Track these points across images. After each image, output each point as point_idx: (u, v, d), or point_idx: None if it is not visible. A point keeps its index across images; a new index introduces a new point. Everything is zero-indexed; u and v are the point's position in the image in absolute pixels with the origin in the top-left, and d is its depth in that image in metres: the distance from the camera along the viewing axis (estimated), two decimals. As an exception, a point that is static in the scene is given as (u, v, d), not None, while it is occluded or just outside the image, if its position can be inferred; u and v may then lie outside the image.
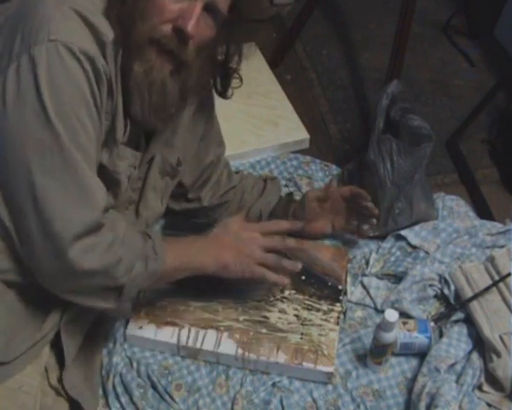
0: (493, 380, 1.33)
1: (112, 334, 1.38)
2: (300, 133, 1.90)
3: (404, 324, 1.39)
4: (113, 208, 1.20)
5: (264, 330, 1.38)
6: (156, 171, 1.29)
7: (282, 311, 1.41)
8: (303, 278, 1.47)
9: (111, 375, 1.33)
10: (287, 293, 1.44)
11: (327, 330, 1.39)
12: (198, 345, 1.35)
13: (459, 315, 1.43)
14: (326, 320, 1.40)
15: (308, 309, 1.42)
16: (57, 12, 1.00)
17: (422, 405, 1.28)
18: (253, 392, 1.33)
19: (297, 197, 1.70)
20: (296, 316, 1.41)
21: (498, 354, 1.33)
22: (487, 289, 1.43)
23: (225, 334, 1.37)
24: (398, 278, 1.51)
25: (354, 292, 1.50)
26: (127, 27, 1.05)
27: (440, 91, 2.15)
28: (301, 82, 2.17)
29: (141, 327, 1.37)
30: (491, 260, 1.50)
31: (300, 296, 1.44)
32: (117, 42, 1.05)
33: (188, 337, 1.36)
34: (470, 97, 2.09)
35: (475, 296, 1.42)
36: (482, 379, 1.33)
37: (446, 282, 1.49)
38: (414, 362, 1.39)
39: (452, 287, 1.47)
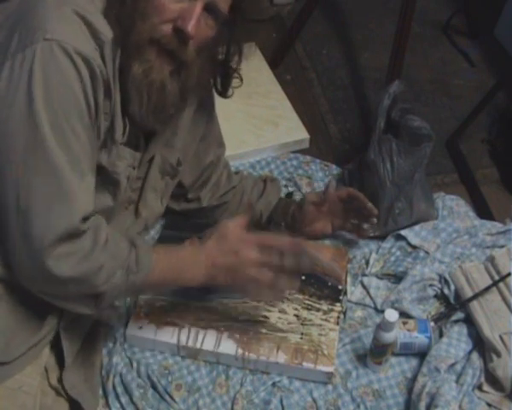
0: (493, 380, 1.33)
1: (112, 334, 1.38)
2: (300, 133, 1.90)
3: (404, 324, 1.39)
4: (112, 208, 1.20)
5: (264, 330, 1.38)
6: (156, 171, 1.29)
7: (282, 311, 1.41)
8: (303, 278, 1.47)
9: (111, 375, 1.33)
10: (287, 293, 1.44)
11: (327, 330, 1.39)
12: (198, 345, 1.35)
13: (459, 315, 1.43)
14: (326, 320, 1.40)
15: (308, 309, 1.42)
16: (56, 12, 1.00)
17: (422, 405, 1.28)
18: (253, 392, 1.33)
19: (297, 197, 1.70)
20: (296, 316, 1.41)
21: (498, 354, 1.33)
22: (487, 289, 1.43)
23: (225, 334, 1.37)
24: (398, 278, 1.51)
25: (354, 292, 1.50)
26: (127, 27, 1.04)
27: (440, 91, 2.15)
28: (301, 82, 2.17)
29: (141, 327, 1.37)
30: (491, 260, 1.50)
31: (300, 296, 1.44)
32: (116, 42, 1.05)
33: (188, 337, 1.36)
34: (470, 97, 2.09)
35: (475, 296, 1.42)
36: (482, 379, 1.33)
37: (446, 282, 1.49)
38: (414, 362, 1.39)
39: (452, 287, 1.47)
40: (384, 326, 1.30)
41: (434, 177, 1.86)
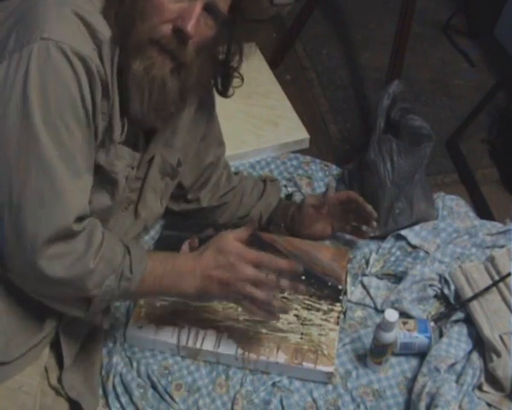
0: (493, 380, 1.33)
1: (112, 334, 1.38)
2: (300, 133, 1.90)
3: (404, 324, 1.39)
4: (110, 208, 1.19)
5: (264, 330, 1.38)
6: (156, 171, 1.29)
7: (282, 311, 1.41)
8: (303, 278, 1.47)
9: (111, 375, 1.33)
10: (287, 293, 1.44)
11: (327, 330, 1.39)
12: (198, 345, 1.35)
13: (459, 315, 1.43)
14: (326, 320, 1.40)
15: (308, 309, 1.42)
16: (55, 12, 1.00)
17: (422, 405, 1.28)
18: (253, 392, 1.33)
19: (297, 198, 1.70)
20: (296, 316, 1.41)
21: (498, 354, 1.33)
22: (487, 289, 1.43)
23: (225, 334, 1.37)
24: (398, 278, 1.51)
25: (354, 292, 1.50)
26: (126, 27, 1.04)
27: (440, 91, 2.15)
28: (301, 82, 2.17)
29: (141, 327, 1.37)
30: (491, 260, 1.50)
31: (300, 296, 1.44)
32: (114, 41, 1.04)
33: (188, 337, 1.36)
34: (470, 97, 2.09)
35: (475, 296, 1.42)
36: (482, 379, 1.33)
37: (446, 282, 1.49)
38: (414, 362, 1.39)
39: (452, 287, 1.47)
40: (384, 326, 1.30)
41: (434, 177, 1.86)
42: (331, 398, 1.33)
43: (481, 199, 1.81)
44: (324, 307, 1.43)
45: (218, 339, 1.36)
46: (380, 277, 1.53)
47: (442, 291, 1.49)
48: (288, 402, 1.32)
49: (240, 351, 1.35)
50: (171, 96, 1.11)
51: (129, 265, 1.11)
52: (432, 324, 1.42)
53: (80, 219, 1.05)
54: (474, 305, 1.42)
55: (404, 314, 1.43)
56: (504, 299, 1.42)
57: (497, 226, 1.62)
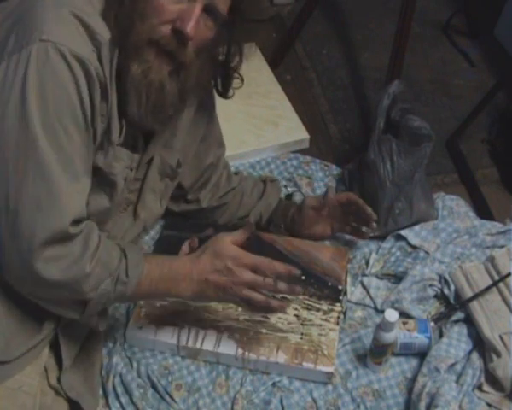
0: (493, 380, 1.33)
1: (112, 334, 1.38)
2: (300, 133, 1.90)
3: (404, 324, 1.39)
4: (108, 209, 1.19)
5: (264, 330, 1.38)
6: (155, 172, 1.29)
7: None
8: (303, 278, 1.46)
9: (111, 375, 1.33)
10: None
11: (327, 330, 1.39)
12: (198, 345, 1.35)
13: (459, 315, 1.43)
14: (326, 320, 1.40)
15: (308, 309, 1.42)
16: (54, 14, 1.00)
17: (422, 405, 1.28)
18: (253, 392, 1.33)
19: (297, 198, 1.70)
20: (296, 316, 1.41)
21: (498, 354, 1.33)
22: (487, 289, 1.43)
23: (225, 334, 1.37)
24: (398, 278, 1.51)
25: (354, 292, 1.50)
26: (125, 28, 1.04)
27: (440, 91, 2.15)
28: (301, 82, 2.17)
29: (141, 327, 1.37)
30: (491, 260, 1.50)
31: (300, 296, 1.44)
32: (113, 43, 1.04)
33: (188, 337, 1.36)
34: (470, 97, 2.09)
35: (475, 296, 1.42)
36: (482, 379, 1.33)
37: (446, 282, 1.49)
38: (414, 362, 1.39)
39: (452, 287, 1.47)
40: (384, 326, 1.30)
41: (434, 177, 1.86)
42: (331, 398, 1.34)
43: (481, 199, 1.81)
44: (324, 307, 1.43)
45: (218, 339, 1.36)
46: (380, 277, 1.53)
47: (442, 291, 1.49)
48: (287, 402, 1.32)
49: (240, 351, 1.35)
50: (170, 99, 1.11)
51: (125, 269, 1.11)
52: (432, 324, 1.42)
53: (77, 222, 1.05)
54: (474, 305, 1.42)
55: (404, 314, 1.43)
56: (504, 299, 1.42)
57: (497, 226, 1.62)
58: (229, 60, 1.21)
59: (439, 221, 1.61)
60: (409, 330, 1.38)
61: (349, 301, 1.49)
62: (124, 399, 1.31)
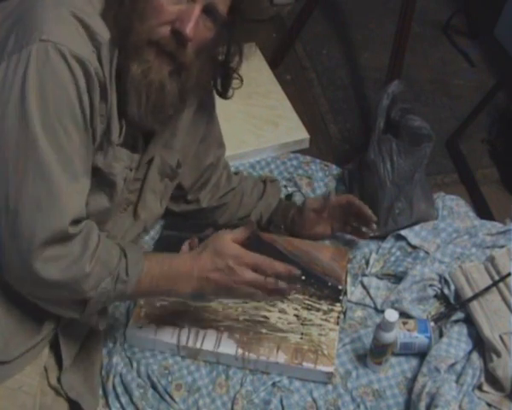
0: (493, 380, 1.33)
1: (112, 334, 1.38)
2: (300, 133, 1.90)
3: (404, 324, 1.39)
4: (108, 210, 1.19)
5: (264, 330, 1.38)
6: (155, 172, 1.29)
7: (282, 311, 1.41)
8: (303, 278, 1.47)
9: (111, 375, 1.33)
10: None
11: (327, 330, 1.39)
12: (198, 345, 1.35)
13: (459, 315, 1.43)
14: (326, 320, 1.40)
15: (308, 309, 1.42)
16: (54, 14, 1.00)
17: (422, 405, 1.28)
18: (253, 392, 1.33)
19: (297, 198, 1.71)
20: (296, 316, 1.41)
21: (498, 354, 1.33)
22: (487, 289, 1.43)
23: (225, 334, 1.37)
24: (398, 278, 1.51)
25: (354, 292, 1.50)
26: (125, 28, 1.04)
27: (440, 91, 2.15)
28: (301, 82, 2.17)
29: (141, 327, 1.37)
30: (491, 260, 1.50)
31: (300, 296, 1.44)
32: (113, 43, 1.04)
33: (188, 337, 1.36)
34: (470, 97, 2.09)
35: (475, 296, 1.42)
36: (482, 379, 1.33)
37: (446, 282, 1.49)
38: (414, 362, 1.39)
39: (452, 287, 1.47)
40: (384, 326, 1.30)
41: (434, 177, 1.86)
42: (331, 398, 1.34)
43: (481, 199, 1.81)
44: (324, 307, 1.43)
45: (218, 339, 1.36)
46: (380, 277, 1.53)
47: (442, 291, 1.49)
48: (287, 402, 1.32)
49: (240, 351, 1.35)
50: (170, 99, 1.11)
51: (125, 267, 1.11)
52: (432, 324, 1.42)
53: (76, 222, 1.05)
54: (474, 305, 1.42)
55: (404, 314, 1.43)
56: (504, 299, 1.42)
57: (497, 226, 1.62)
58: (229, 60, 1.21)
59: (439, 221, 1.61)
60: (409, 330, 1.38)
61: (349, 301, 1.49)
62: (124, 399, 1.31)
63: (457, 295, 1.46)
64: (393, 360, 1.39)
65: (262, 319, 1.39)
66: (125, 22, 1.04)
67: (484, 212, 1.74)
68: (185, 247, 1.34)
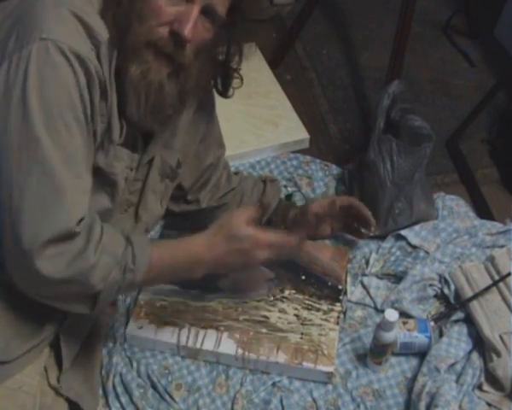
0: (493, 380, 1.33)
1: (112, 334, 1.39)
2: (300, 133, 1.90)
3: (404, 323, 1.39)
4: (110, 210, 1.19)
5: (264, 330, 1.38)
6: (156, 173, 1.29)
7: (282, 311, 1.41)
8: (303, 278, 1.47)
9: (111, 375, 1.33)
10: (287, 293, 1.44)
11: (327, 329, 1.39)
12: (198, 345, 1.35)
13: (459, 315, 1.43)
14: (326, 320, 1.40)
15: (308, 309, 1.42)
16: (53, 13, 1.00)
17: (422, 405, 1.28)
18: (253, 392, 1.33)
19: (297, 198, 1.71)
20: (296, 316, 1.41)
21: (498, 354, 1.33)
22: (487, 288, 1.43)
23: (225, 334, 1.37)
24: (398, 278, 1.51)
25: (354, 292, 1.50)
26: (123, 28, 1.04)
27: (440, 91, 2.15)
28: (301, 82, 2.17)
29: (141, 327, 1.37)
30: (491, 259, 1.50)
31: (300, 296, 1.44)
32: (112, 42, 1.04)
33: (188, 337, 1.36)
34: (470, 97, 2.09)
35: (475, 296, 1.42)
36: (482, 379, 1.33)
37: (446, 282, 1.49)
38: (414, 362, 1.39)
39: (452, 287, 1.47)
40: (384, 326, 1.30)
41: (434, 177, 1.86)
42: (331, 398, 1.34)
43: (481, 199, 1.81)
44: (324, 307, 1.43)
45: (218, 339, 1.36)
46: (380, 277, 1.53)
47: (442, 291, 1.49)
48: (288, 402, 1.32)
49: (240, 351, 1.35)
50: (169, 100, 1.11)
51: (131, 256, 1.08)
52: (432, 324, 1.42)
53: (81, 220, 1.04)
54: (474, 305, 1.42)
55: (404, 314, 1.43)
56: (504, 299, 1.42)
57: (497, 226, 1.62)
58: (229, 59, 1.21)
59: (439, 221, 1.61)
60: (409, 330, 1.38)
61: (349, 301, 1.49)
62: (124, 399, 1.31)
63: (457, 294, 1.46)
64: (393, 359, 1.39)
65: (262, 319, 1.39)
66: (123, 22, 1.04)
67: (484, 212, 1.74)
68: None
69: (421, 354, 1.38)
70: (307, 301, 1.43)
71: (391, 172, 1.56)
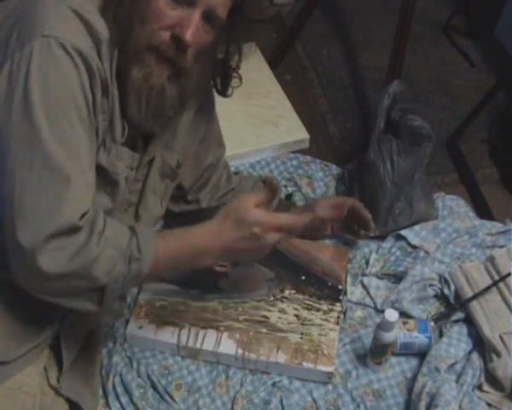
0: (493, 380, 1.33)
1: (112, 334, 1.39)
2: (300, 133, 1.90)
3: (404, 323, 1.39)
4: (110, 210, 1.18)
5: (264, 330, 1.38)
6: (156, 173, 1.28)
7: (282, 311, 1.41)
8: (303, 278, 1.47)
9: (111, 375, 1.33)
10: (287, 293, 1.44)
11: (327, 329, 1.39)
12: (198, 345, 1.35)
13: (459, 315, 1.43)
14: (326, 320, 1.40)
15: (308, 309, 1.42)
16: (54, 11, 1.00)
17: (422, 405, 1.28)
18: (253, 392, 1.33)
19: (297, 198, 1.71)
20: (296, 316, 1.41)
21: (498, 354, 1.33)
22: (487, 288, 1.43)
23: (225, 334, 1.37)
24: (398, 278, 1.51)
25: (354, 292, 1.50)
26: (125, 30, 1.04)
27: (440, 91, 2.15)
28: (301, 82, 2.17)
29: (141, 327, 1.37)
30: (491, 259, 1.50)
31: (300, 296, 1.44)
32: (113, 41, 1.04)
33: (188, 337, 1.36)
34: (470, 97, 2.09)
35: (475, 296, 1.42)
36: (482, 379, 1.33)
37: (446, 282, 1.49)
38: (414, 362, 1.39)
39: (452, 287, 1.47)
40: (384, 326, 1.30)
41: (434, 177, 1.86)
42: (331, 398, 1.34)
43: (481, 199, 1.81)
44: (324, 307, 1.43)
45: (218, 339, 1.36)
46: (380, 277, 1.53)
47: (442, 291, 1.49)
48: (288, 402, 1.32)
49: (240, 351, 1.35)
50: (170, 103, 1.11)
51: (136, 245, 1.06)
52: (432, 324, 1.42)
53: (84, 214, 1.03)
54: (474, 305, 1.42)
55: (404, 314, 1.43)
56: (504, 299, 1.42)
57: (497, 226, 1.62)
58: (228, 59, 1.21)
59: (439, 221, 1.61)
60: (409, 330, 1.38)
61: (349, 301, 1.49)
62: (124, 399, 1.31)
63: (457, 295, 1.46)
64: (393, 360, 1.39)
65: (262, 319, 1.39)
66: (124, 24, 1.04)
67: (484, 212, 1.74)
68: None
69: (421, 354, 1.38)
70: (307, 301, 1.43)
71: (391, 172, 1.56)
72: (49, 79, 0.98)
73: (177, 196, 1.46)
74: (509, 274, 1.44)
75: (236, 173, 1.59)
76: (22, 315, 1.14)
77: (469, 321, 1.41)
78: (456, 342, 1.38)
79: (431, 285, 1.48)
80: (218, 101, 1.36)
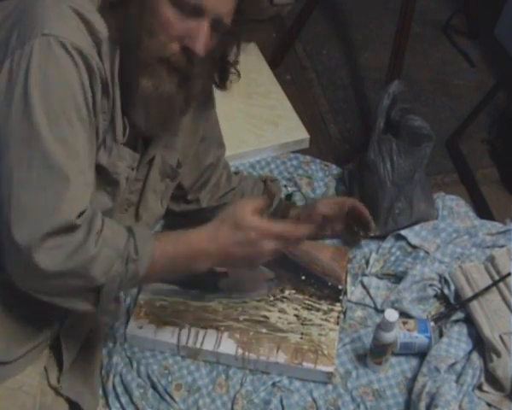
0: (493, 380, 1.33)
1: (112, 334, 1.39)
2: (300, 133, 1.90)
3: (404, 323, 1.39)
4: (111, 210, 1.18)
5: (264, 330, 1.38)
6: (156, 173, 1.29)
7: (282, 311, 1.41)
8: (303, 278, 1.47)
9: (111, 375, 1.33)
10: (287, 293, 1.44)
11: (327, 329, 1.39)
12: (198, 345, 1.35)
13: (459, 315, 1.43)
14: (326, 320, 1.40)
15: (308, 309, 1.42)
16: (54, 10, 1.00)
17: (422, 405, 1.28)
18: (253, 392, 1.33)
19: (297, 198, 1.71)
20: (296, 316, 1.41)
21: (498, 354, 1.33)
22: (487, 288, 1.43)
23: (225, 334, 1.37)
24: (398, 278, 1.51)
25: (354, 292, 1.50)
26: (134, 42, 1.04)
27: (440, 91, 2.15)
28: (301, 82, 2.17)
29: (141, 327, 1.37)
30: (491, 259, 1.50)
31: (300, 296, 1.44)
32: (113, 42, 1.04)
33: (188, 337, 1.36)
34: (470, 97, 2.09)
35: (475, 296, 1.42)
36: (482, 379, 1.33)
37: (446, 282, 1.49)
38: (414, 362, 1.39)
39: (452, 287, 1.47)
40: (384, 326, 1.30)
41: (434, 177, 1.86)
42: (331, 398, 1.34)
43: (481, 199, 1.81)
44: (324, 307, 1.43)
45: (218, 339, 1.36)
46: (380, 277, 1.53)
47: (442, 291, 1.49)
48: (288, 402, 1.32)
49: (240, 351, 1.35)
50: (177, 109, 1.12)
51: (134, 246, 1.06)
52: (432, 324, 1.42)
53: (82, 213, 1.03)
54: (474, 305, 1.42)
55: (404, 314, 1.43)
56: (504, 299, 1.42)
57: (497, 226, 1.62)
58: (227, 54, 1.21)
59: (439, 221, 1.61)
60: (409, 330, 1.38)
61: (349, 301, 1.49)
62: (124, 399, 1.31)
63: (457, 295, 1.46)
64: (393, 360, 1.39)
65: (262, 319, 1.39)
66: (132, 34, 1.04)
67: (484, 212, 1.74)
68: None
69: (421, 354, 1.38)
70: (307, 301, 1.43)
71: (391, 172, 1.56)
72: (48, 77, 0.98)
73: (177, 196, 1.46)
74: (508, 274, 1.44)
75: (236, 173, 1.60)
76: (22, 315, 1.14)
77: (469, 321, 1.41)
78: (456, 342, 1.38)
79: (431, 285, 1.48)
80: (219, 101, 1.36)
